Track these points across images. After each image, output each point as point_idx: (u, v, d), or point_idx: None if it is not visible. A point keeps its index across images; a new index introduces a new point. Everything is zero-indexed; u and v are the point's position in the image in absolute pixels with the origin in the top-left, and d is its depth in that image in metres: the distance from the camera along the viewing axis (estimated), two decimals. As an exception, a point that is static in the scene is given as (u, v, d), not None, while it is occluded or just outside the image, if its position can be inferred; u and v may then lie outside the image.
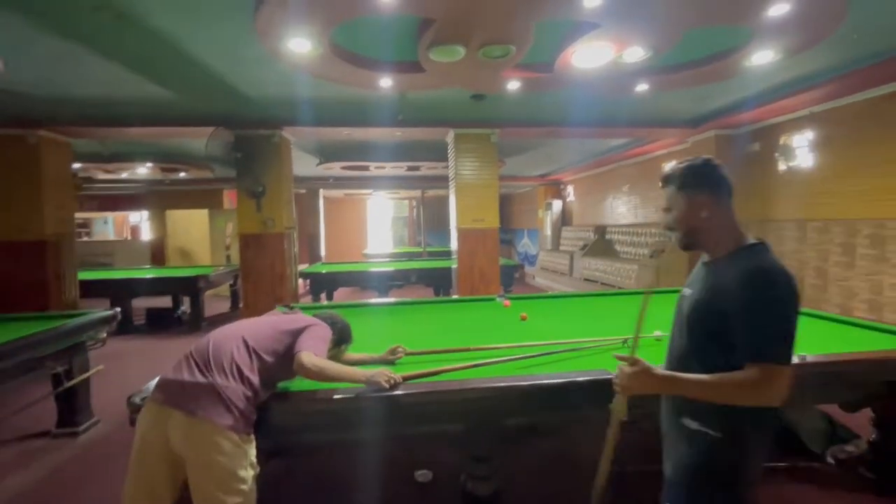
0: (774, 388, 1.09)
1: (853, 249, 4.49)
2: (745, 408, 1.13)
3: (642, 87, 4.01)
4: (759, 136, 5.62)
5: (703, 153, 6.88)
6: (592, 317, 3.27)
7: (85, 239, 13.44)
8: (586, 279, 8.39)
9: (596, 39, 3.07)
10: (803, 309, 3.16)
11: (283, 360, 1.63)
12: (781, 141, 5.26)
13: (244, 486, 1.47)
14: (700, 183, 1.30)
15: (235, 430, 1.46)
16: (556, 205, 11.31)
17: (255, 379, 1.56)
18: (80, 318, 3.30)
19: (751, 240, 1.25)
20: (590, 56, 3.33)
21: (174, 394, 1.48)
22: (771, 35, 3.06)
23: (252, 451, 1.54)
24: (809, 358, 1.95)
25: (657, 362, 1.98)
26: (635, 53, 3.30)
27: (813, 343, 2.29)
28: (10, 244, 5.13)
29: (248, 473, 1.50)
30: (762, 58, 3.43)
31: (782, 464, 2.53)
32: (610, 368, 1.84)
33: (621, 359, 1.30)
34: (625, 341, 2.31)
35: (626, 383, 1.24)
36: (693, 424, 1.22)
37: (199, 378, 1.49)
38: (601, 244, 8.70)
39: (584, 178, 10.42)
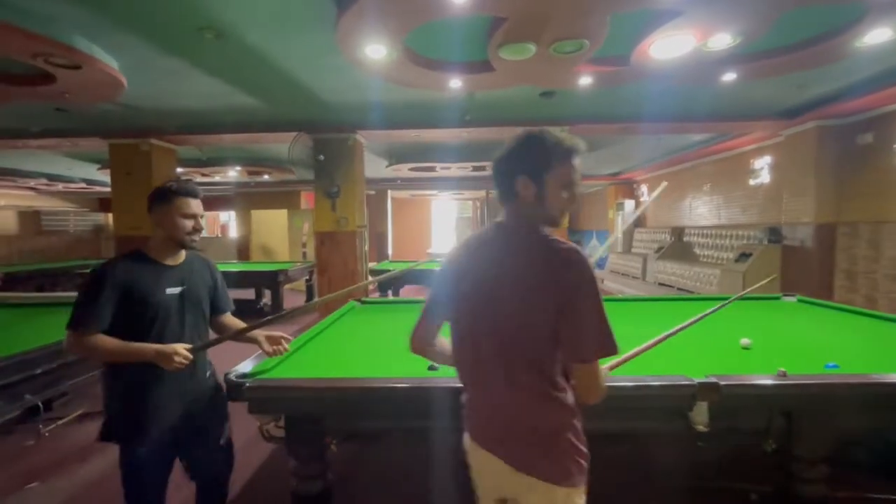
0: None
1: None
2: None
3: (729, 76, 3.71)
4: (873, 125, 4.95)
5: (802, 147, 6.21)
6: (668, 322, 3.08)
7: (184, 236, 15.06)
8: (661, 284, 7.90)
9: (677, 28, 2.90)
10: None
11: None
12: (901, 131, 4.61)
13: None
14: None
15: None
16: (629, 205, 10.77)
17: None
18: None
19: None
20: (670, 46, 3.14)
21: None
22: (889, 10, 2.70)
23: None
24: (935, 376, 1.70)
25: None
26: (722, 40, 3.07)
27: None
28: (128, 238, 5.90)
29: None
30: (878, 36, 3.03)
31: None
32: (690, 374, 1.73)
33: None
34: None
35: None
36: None
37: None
38: (678, 247, 8.14)
39: (659, 176, 9.81)
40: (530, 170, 1.10)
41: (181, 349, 1.52)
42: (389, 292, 7.24)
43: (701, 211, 8.29)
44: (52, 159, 7.88)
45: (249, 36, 3.25)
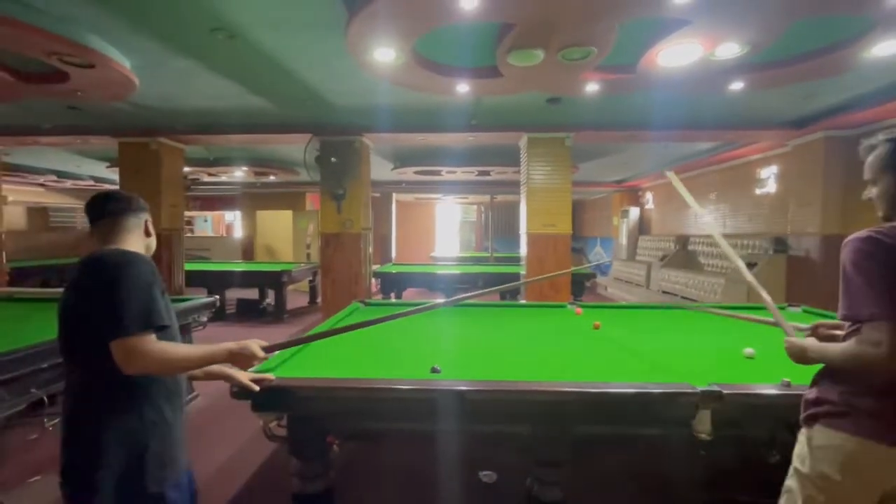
0: None
1: None
2: None
3: (736, 85, 3.72)
4: (880, 137, 4.94)
5: (809, 157, 6.18)
6: (671, 329, 3.08)
7: (188, 235, 15.14)
8: (665, 292, 7.88)
9: (685, 37, 2.91)
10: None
11: None
12: (909, 143, 4.59)
13: None
14: None
15: None
16: (633, 212, 10.76)
17: None
18: (189, 303, 3.73)
19: None
20: (677, 54, 3.15)
21: None
22: (898, 23, 2.70)
23: None
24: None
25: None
26: (729, 50, 3.08)
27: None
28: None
29: None
30: (886, 49, 3.03)
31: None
32: (694, 383, 1.73)
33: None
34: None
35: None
36: None
37: None
38: (683, 255, 8.13)
39: (664, 184, 9.80)
40: None
41: (256, 347, 1.26)
42: (392, 294, 7.26)
43: (707, 219, 8.27)
44: (61, 156, 7.96)
45: (261, 37, 3.28)
